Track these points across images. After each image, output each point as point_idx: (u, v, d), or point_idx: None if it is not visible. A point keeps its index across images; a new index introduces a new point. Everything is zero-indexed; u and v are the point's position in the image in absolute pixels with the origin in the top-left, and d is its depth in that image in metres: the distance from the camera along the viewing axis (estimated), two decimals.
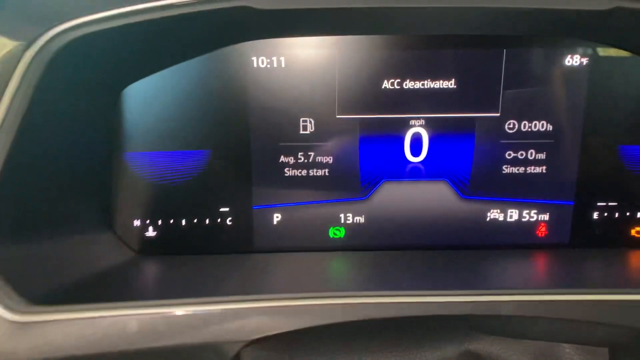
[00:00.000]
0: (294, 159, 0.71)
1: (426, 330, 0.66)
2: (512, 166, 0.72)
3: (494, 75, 0.69)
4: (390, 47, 0.68)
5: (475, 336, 0.67)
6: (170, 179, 0.71)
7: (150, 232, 0.73)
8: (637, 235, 0.75)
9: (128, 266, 0.70)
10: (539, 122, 0.71)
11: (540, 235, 0.75)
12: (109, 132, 0.69)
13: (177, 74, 0.68)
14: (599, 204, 0.74)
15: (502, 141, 0.71)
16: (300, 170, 0.72)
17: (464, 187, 0.73)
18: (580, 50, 0.69)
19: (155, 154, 0.70)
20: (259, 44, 0.67)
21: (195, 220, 0.73)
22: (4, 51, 0.52)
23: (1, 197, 0.55)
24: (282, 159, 0.71)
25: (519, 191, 0.73)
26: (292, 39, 0.67)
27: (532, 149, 0.71)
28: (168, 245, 0.73)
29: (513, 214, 0.74)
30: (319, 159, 0.71)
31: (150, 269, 0.70)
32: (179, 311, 0.56)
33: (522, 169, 0.72)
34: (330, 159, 0.71)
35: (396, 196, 0.73)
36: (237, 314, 0.57)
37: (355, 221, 0.74)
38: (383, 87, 0.69)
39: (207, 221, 0.73)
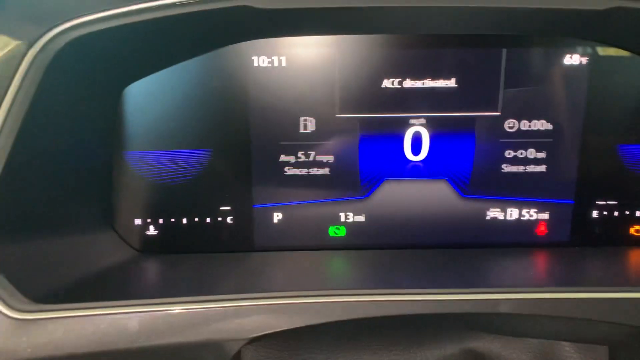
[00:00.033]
0: (294, 158, 0.71)
1: (426, 328, 0.66)
2: (512, 165, 0.72)
3: (494, 74, 0.69)
4: (391, 46, 0.68)
5: (476, 334, 0.67)
6: (171, 178, 0.71)
7: (151, 231, 0.73)
8: (636, 234, 0.75)
9: (129, 265, 0.70)
10: (539, 121, 0.71)
11: (540, 234, 0.75)
12: (109, 131, 0.69)
13: (177, 74, 0.68)
14: (598, 202, 0.74)
15: (502, 140, 0.71)
16: (300, 169, 0.72)
17: (464, 186, 0.73)
18: (579, 49, 0.69)
19: (156, 153, 0.70)
20: (259, 43, 0.67)
21: (196, 219, 0.73)
22: (5, 51, 0.52)
23: (2, 196, 0.55)
24: (283, 158, 0.71)
25: (518, 190, 0.73)
26: (293, 38, 0.67)
27: (532, 148, 0.72)
28: (169, 244, 0.73)
29: (513, 213, 0.74)
30: (319, 158, 0.72)
31: (151, 268, 0.70)
32: (180, 309, 0.56)
33: (522, 168, 0.72)
34: (330, 158, 0.72)
35: (396, 195, 0.73)
36: (237, 312, 0.57)
37: (355, 220, 0.74)
38: (383, 86, 0.69)
39: (208, 220, 0.73)
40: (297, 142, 0.71)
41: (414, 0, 0.57)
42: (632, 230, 0.75)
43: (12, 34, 0.52)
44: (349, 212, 0.74)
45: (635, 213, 0.74)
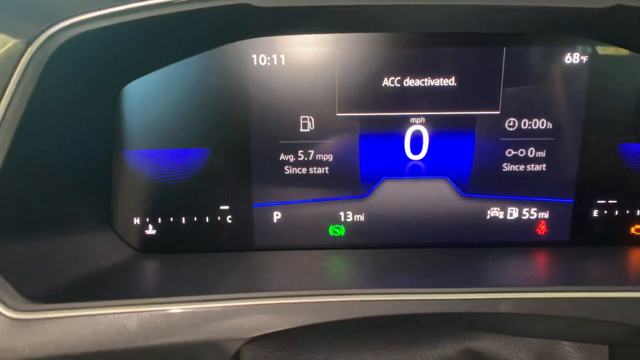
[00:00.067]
0: (294, 157, 0.71)
1: (426, 328, 0.66)
2: (512, 164, 0.72)
3: (494, 73, 0.69)
4: (391, 44, 0.68)
5: (476, 334, 0.67)
6: (170, 177, 0.71)
7: (150, 230, 0.73)
8: (636, 233, 0.75)
9: (128, 264, 0.70)
10: (539, 120, 0.71)
11: (540, 233, 0.75)
12: (108, 130, 0.68)
13: (177, 72, 0.68)
14: (598, 201, 0.74)
15: (502, 139, 0.71)
16: (300, 169, 0.72)
17: (464, 185, 0.73)
18: (580, 48, 0.69)
19: (155, 152, 0.70)
20: (258, 42, 0.67)
21: (195, 219, 0.73)
22: (3, 49, 0.52)
23: (1, 196, 0.55)
24: (282, 157, 0.71)
25: (519, 189, 0.73)
26: (292, 36, 0.67)
27: (532, 146, 0.71)
28: (168, 244, 0.73)
29: (513, 212, 0.74)
30: (319, 157, 0.71)
31: (150, 267, 0.70)
32: (179, 309, 0.56)
33: (522, 167, 0.72)
34: (330, 157, 0.71)
35: (396, 194, 0.73)
36: (237, 311, 0.57)
37: (355, 219, 0.74)
38: (383, 85, 0.69)
39: (207, 219, 0.73)
40: (296, 141, 0.71)
41: None
42: (632, 230, 0.75)
43: (10, 32, 0.52)
44: (349, 211, 0.73)
45: (635, 212, 0.74)
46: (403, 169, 0.72)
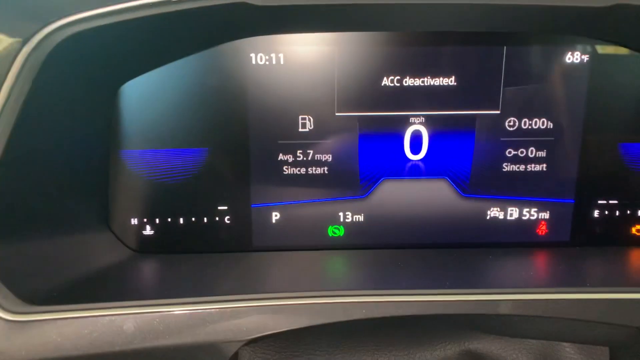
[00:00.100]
0: (292, 157, 0.71)
1: (426, 329, 0.66)
2: (512, 164, 0.72)
3: (494, 72, 0.69)
4: (390, 44, 0.68)
5: (475, 335, 0.67)
6: (168, 177, 0.71)
7: (148, 231, 0.72)
8: (637, 234, 0.74)
9: (125, 265, 0.69)
10: (540, 119, 0.70)
11: (540, 233, 0.74)
12: (106, 130, 0.68)
13: (175, 71, 0.67)
14: (599, 202, 0.73)
15: (502, 139, 0.71)
16: (299, 169, 0.71)
17: (464, 185, 0.72)
18: (580, 47, 0.68)
19: (153, 152, 0.70)
20: (257, 41, 0.67)
21: (193, 219, 0.72)
22: (0, 48, 0.52)
23: None
24: (281, 156, 0.71)
25: (519, 189, 0.73)
26: (291, 35, 0.67)
27: (532, 146, 0.71)
28: (166, 244, 0.73)
29: (513, 212, 0.73)
30: (318, 157, 0.71)
31: (148, 268, 0.69)
32: (177, 310, 0.56)
33: (522, 167, 0.72)
34: (329, 157, 0.71)
35: (396, 194, 0.73)
36: (235, 313, 0.56)
37: (354, 220, 0.73)
38: (383, 85, 0.69)
39: (205, 220, 0.72)
40: (295, 140, 0.70)
41: None
42: (633, 230, 0.74)
43: (6, 31, 0.52)
44: (348, 211, 0.73)
45: (636, 212, 0.74)
46: (403, 169, 0.72)
